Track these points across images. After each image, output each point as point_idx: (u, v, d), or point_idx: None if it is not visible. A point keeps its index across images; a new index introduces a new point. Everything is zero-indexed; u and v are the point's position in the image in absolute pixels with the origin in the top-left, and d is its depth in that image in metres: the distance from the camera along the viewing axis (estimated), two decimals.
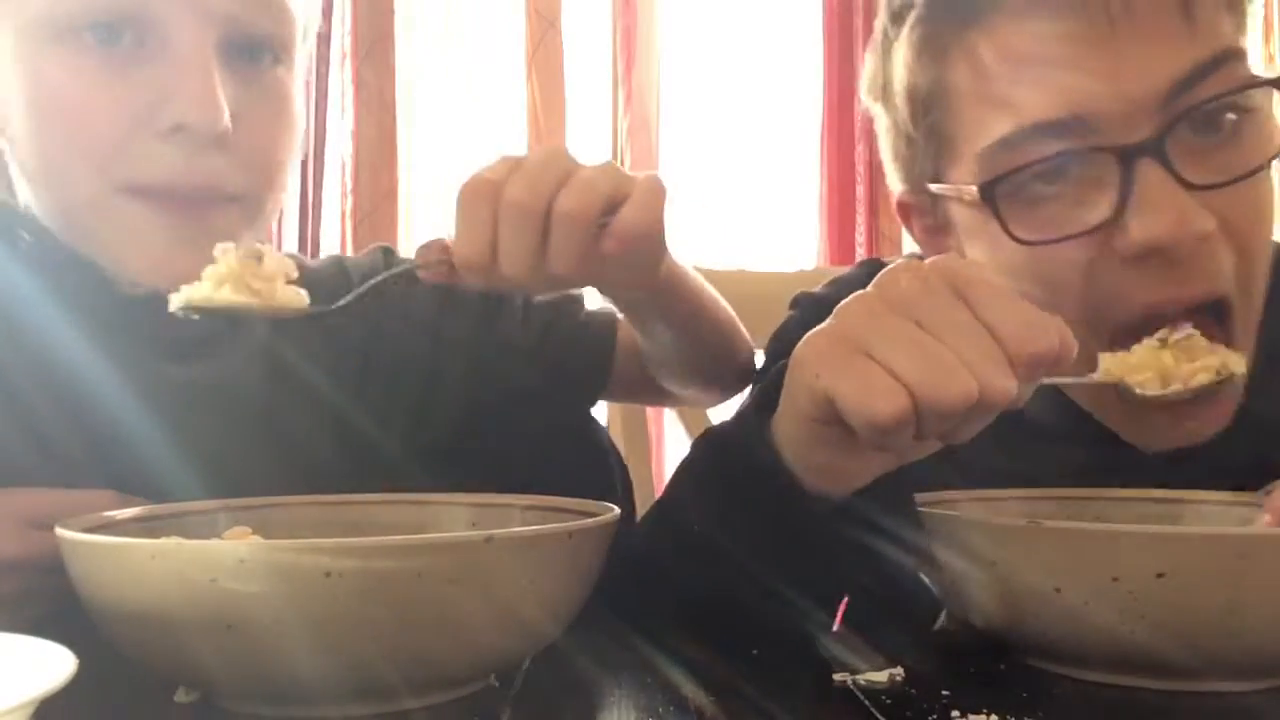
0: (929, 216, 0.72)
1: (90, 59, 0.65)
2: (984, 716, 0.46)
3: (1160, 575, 0.48)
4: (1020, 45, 0.61)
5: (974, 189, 0.63)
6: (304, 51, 0.76)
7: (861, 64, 2.73)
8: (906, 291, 0.50)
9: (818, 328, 0.53)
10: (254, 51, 0.68)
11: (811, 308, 0.81)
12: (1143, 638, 0.49)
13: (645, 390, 0.88)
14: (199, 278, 0.58)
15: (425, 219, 2.51)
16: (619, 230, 0.59)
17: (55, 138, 0.66)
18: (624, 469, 0.89)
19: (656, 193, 0.61)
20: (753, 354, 0.86)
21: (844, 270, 0.90)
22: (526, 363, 0.84)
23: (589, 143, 2.66)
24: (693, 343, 0.79)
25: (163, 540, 0.47)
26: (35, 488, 0.64)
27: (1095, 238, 0.60)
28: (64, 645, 0.37)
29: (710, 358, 0.82)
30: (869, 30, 2.87)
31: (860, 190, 2.74)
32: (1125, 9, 0.59)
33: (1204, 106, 0.59)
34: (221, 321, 0.69)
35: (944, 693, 0.50)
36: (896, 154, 0.72)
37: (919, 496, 0.59)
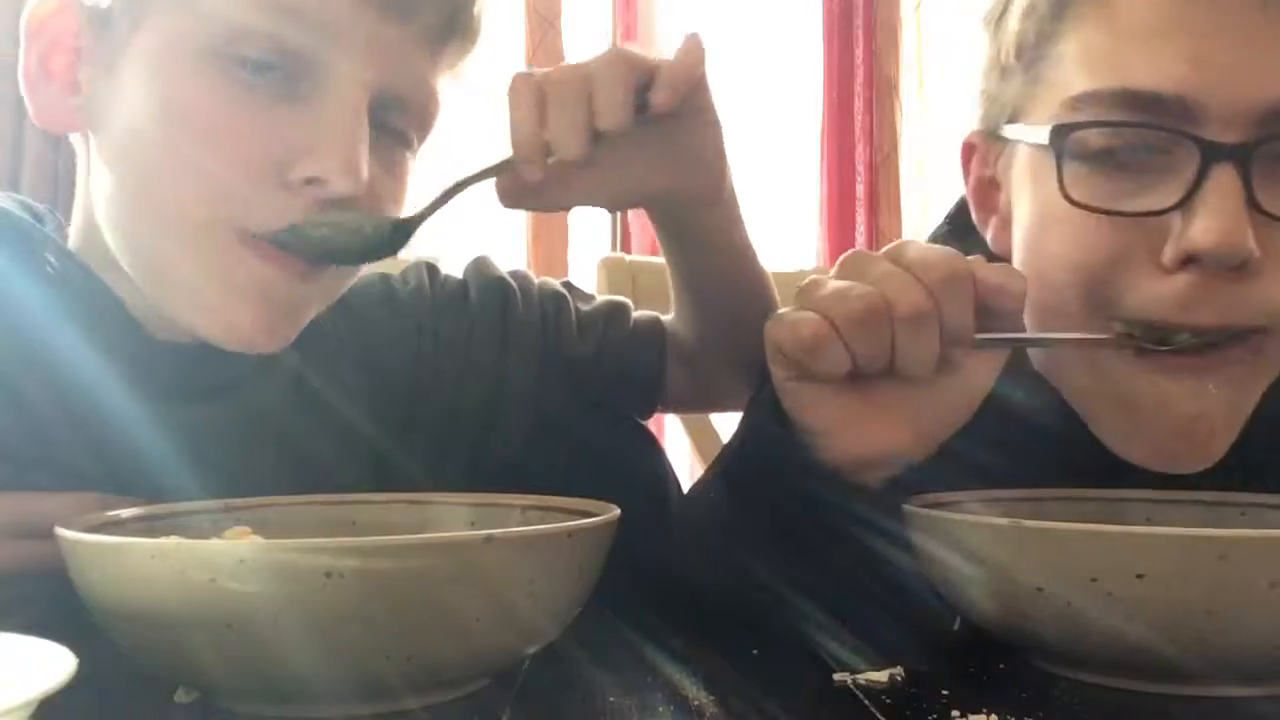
0: (988, 167, 0.70)
1: (238, 88, 0.62)
2: (984, 716, 0.46)
3: (1140, 576, 0.47)
4: (1153, 6, 0.58)
5: (1046, 129, 0.60)
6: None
7: (860, 65, 2.76)
8: (850, 263, 0.59)
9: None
10: (389, 127, 0.67)
11: None
12: (1129, 639, 0.48)
13: (694, 397, 0.87)
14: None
15: (426, 220, 2.50)
16: (665, 77, 0.63)
17: (180, 159, 0.62)
18: (677, 480, 0.88)
19: (697, 45, 0.65)
20: None
21: None
22: (587, 375, 0.82)
23: None
24: (740, 304, 0.78)
25: (163, 540, 0.47)
26: (15, 492, 0.62)
27: (1141, 226, 0.58)
28: (64, 645, 0.37)
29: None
30: (869, 30, 2.89)
31: (860, 190, 2.74)
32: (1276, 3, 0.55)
33: None
34: (245, 365, 0.70)
35: (944, 693, 0.50)
36: (986, 89, 0.69)
37: (916, 498, 0.59)
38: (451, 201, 0.67)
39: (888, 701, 0.49)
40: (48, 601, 0.55)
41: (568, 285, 0.87)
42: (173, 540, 0.47)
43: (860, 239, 2.75)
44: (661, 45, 2.67)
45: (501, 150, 0.65)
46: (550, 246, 2.47)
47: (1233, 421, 0.62)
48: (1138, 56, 0.58)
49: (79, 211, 0.70)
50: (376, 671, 0.45)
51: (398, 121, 0.67)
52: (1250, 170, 0.56)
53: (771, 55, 2.82)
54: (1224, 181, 0.55)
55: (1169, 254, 0.57)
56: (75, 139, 0.69)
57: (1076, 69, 0.61)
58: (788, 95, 2.81)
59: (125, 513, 0.56)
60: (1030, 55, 0.64)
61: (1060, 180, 0.59)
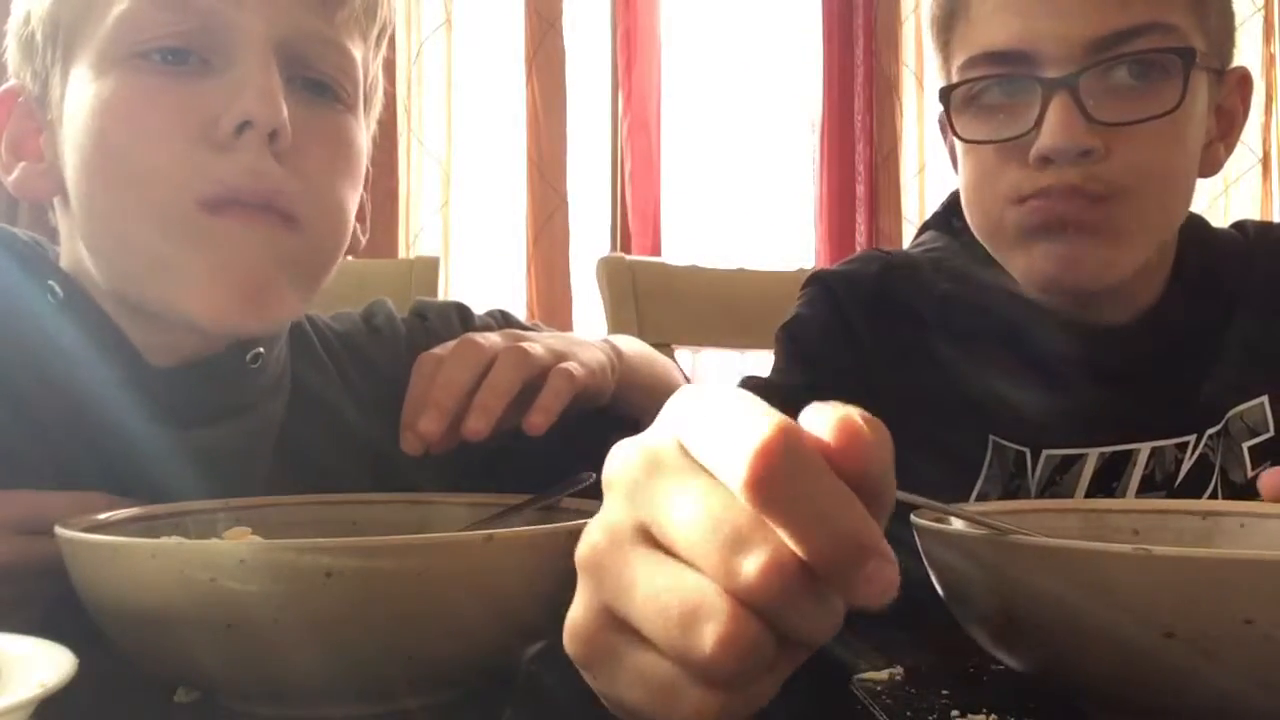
0: (947, 140, 0.86)
1: (158, 76, 0.65)
2: (984, 716, 0.46)
3: None
4: None
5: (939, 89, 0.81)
6: (370, 118, 0.76)
7: (861, 65, 2.79)
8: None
9: None
10: (311, 83, 0.69)
11: (830, 285, 0.88)
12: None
13: None
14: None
15: (426, 221, 2.51)
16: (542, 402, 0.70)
17: (123, 148, 0.65)
18: None
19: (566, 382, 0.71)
20: None
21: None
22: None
23: (589, 143, 2.66)
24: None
25: (163, 540, 0.47)
26: (21, 490, 0.62)
27: (1012, 147, 0.75)
28: (64, 645, 0.37)
29: None
30: (869, 31, 2.89)
31: (860, 190, 2.74)
32: None
33: (1117, 60, 0.73)
34: (245, 392, 0.72)
35: (944, 693, 0.50)
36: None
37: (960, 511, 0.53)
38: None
39: (888, 701, 0.49)
40: (48, 601, 0.55)
41: (503, 312, 0.93)
42: (173, 540, 0.47)
43: (860, 239, 2.75)
44: (661, 46, 2.68)
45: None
46: (551, 247, 2.47)
47: (1108, 270, 0.76)
48: (990, 27, 0.76)
49: (64, 260, 0.72)
50: (376, 671, 0.45)
51: (310, 74, 0.69)
52: (1079, 92, 0.72)
53: (771, 55, 2.83)
54: (1060, 103, 0.73)
55: (1031, 159, 0.74)
56: (56, 202, 0.72)
57: (960, 45, 0.79)
58: (787, 95, 2.81)
59: (125, 513, 0.57)
60: (941, 39, 0.82)
61: (952, 126, 0.79)
